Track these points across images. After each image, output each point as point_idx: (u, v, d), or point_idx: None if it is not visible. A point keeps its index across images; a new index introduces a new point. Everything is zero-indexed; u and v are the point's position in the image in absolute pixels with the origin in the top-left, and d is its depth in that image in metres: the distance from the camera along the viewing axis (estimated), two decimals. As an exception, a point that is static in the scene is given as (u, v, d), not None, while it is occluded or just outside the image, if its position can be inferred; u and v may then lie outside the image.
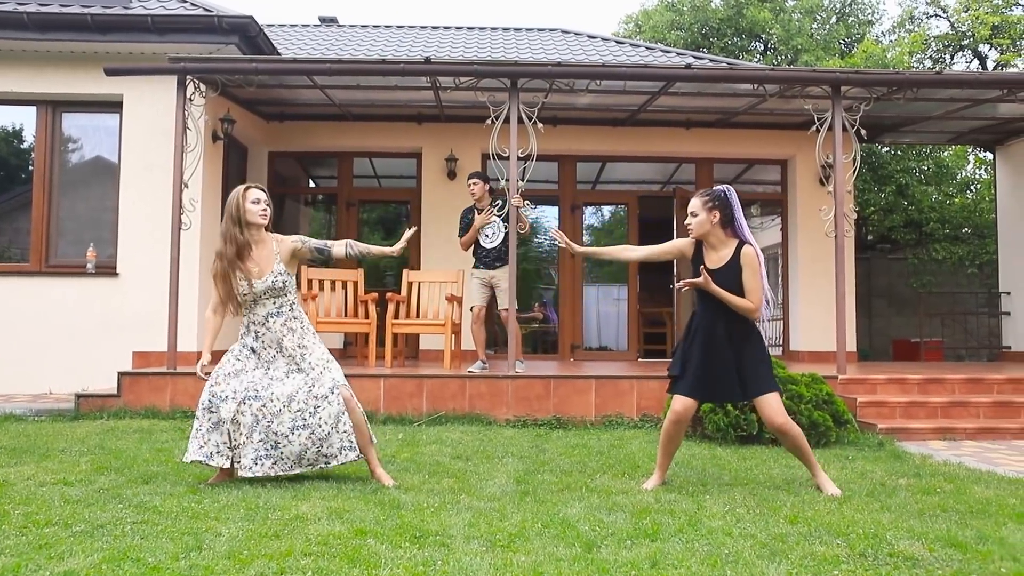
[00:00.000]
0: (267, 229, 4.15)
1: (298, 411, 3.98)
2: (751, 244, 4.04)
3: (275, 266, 4.07)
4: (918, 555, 2.84)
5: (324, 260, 4.28)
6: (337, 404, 4.02)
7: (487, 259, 7.30)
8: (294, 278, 4.17)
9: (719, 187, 4.12)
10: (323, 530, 3.08)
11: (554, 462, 4.81)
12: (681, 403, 4.06)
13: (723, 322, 4.02)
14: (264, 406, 3.97)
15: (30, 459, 4.63)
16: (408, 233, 4.41)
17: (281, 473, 4.01)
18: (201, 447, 3.98)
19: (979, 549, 2.94)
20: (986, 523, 3.36)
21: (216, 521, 3.20)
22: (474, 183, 7.26)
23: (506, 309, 7.14)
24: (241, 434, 3.96)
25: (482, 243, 7.31)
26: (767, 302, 4.02)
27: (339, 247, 4.25)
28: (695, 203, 4.07)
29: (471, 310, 7.38)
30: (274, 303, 4.07)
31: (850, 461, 4.98)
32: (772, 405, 3.98)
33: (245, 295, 4.02)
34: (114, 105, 7.98)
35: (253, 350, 4.09)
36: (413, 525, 3.18)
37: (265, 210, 4.07)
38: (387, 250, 4.37)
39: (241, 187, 4.10)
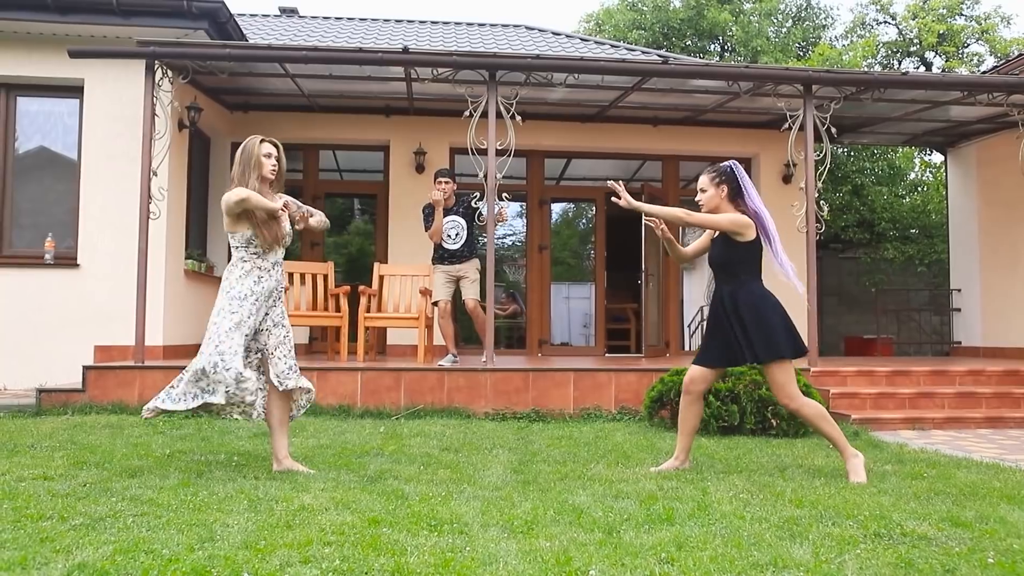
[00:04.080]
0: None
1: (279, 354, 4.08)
2: (747, 205, 4.09)
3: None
4: (930, 535, 2.91)
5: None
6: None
7: (451, 259, 7.29)
8: None
9: (725, 163, 4.20)
10: (335, 520, 3.00)
11: (544, 453, 4.80)
12: (688, 375, 4.22)
13: (723, 290, 4.14)
14: (261, 355, 4.09)
15: (-1, 455, 4.42)
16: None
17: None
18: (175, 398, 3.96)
19: (983, 528, 3.02)
20: (981, 504, 3.46)
21: (220, 513, 3.10)
22: (446, 182, 7.20)
23: (472, 299, 7.14)
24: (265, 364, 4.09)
25: (444, 244, 7.28)
26: (785, 268, 4.07)
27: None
28: (703, 179, 4.18)
29: (435, 305, 7.32)
30: (281, 252, 4.14)
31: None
32: (774, 380, 4.05)
33: (275, 236, 4.03)
34: (74, 90, 7.68)
35: (252, 292, 3.99)
36: (424, 514, 3.13)
37: (275, 166, 4.07)
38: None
39: (255, 138, 4.06)
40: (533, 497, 3.50)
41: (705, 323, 4.31)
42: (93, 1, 7.23)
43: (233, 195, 3.93)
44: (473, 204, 7.19)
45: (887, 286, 13.28)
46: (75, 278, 7.46)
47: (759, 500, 3.48)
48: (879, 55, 17.31)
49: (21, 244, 7.68)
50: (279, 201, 4.03)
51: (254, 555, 2.54)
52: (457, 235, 7.27)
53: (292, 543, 2.67)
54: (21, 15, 7.28)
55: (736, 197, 4.12)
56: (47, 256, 7.47)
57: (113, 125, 7.53)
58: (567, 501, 3.41)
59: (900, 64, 17.74)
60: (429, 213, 7.32)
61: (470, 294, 7.23)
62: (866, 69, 15.84)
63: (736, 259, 4.09)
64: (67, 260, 7.50)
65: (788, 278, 4.08)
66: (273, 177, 4.07)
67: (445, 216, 7.26)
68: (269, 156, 4.04)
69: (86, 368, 6.44)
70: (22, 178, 7.82)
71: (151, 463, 4.22)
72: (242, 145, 4.07)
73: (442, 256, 7.31)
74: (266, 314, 4.07)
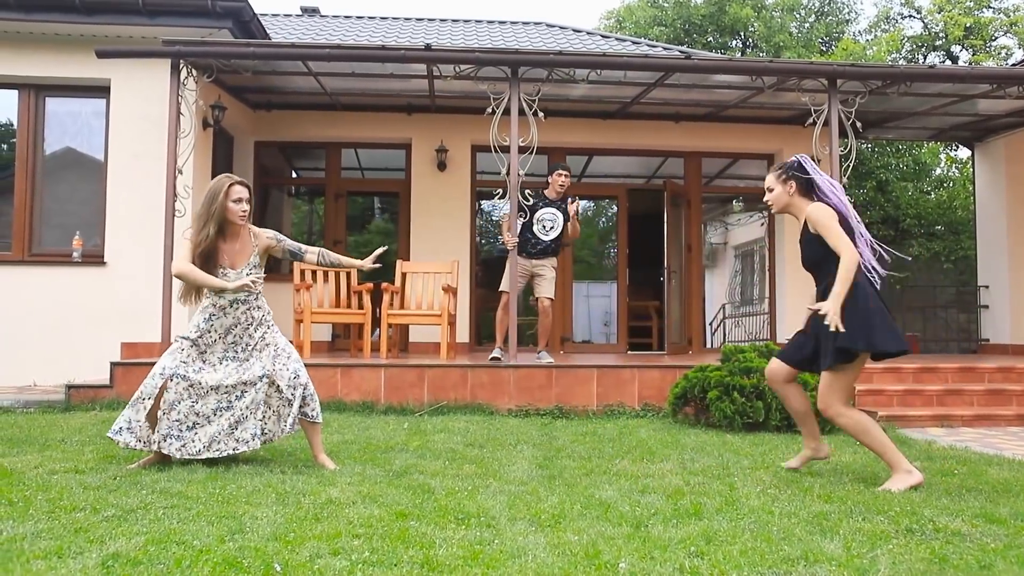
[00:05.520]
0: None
1: (224, 394, 3.97)
2: (821, 199, 3.77)
3: (250, 258, 4.05)
4: (964, 531, 2.87)
5: (294, 260, 4.26)
6: (258, 392, 3.99)
7: (534, 250, 7.17)
8: (263, 271, 4.12)
9: (792, 158, 3.95)
10: (362, 513, 3.02)
11: (569, 449, 4.79)
12: (768, 368, 4.07)
13: (819, 290, 3.82)
14: (191, 387, 3.95)
15: (31, 449, 4.48)
16: (379, 250, 4.42)
17: (187, 456, 3.94)
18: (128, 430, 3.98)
19: (1019, 525, 2.97)
20: (1015, 501, 3.40)
21: (249, 505, 3.12)
22: (568, 175, 7.22)
23: (548, 298, 7.11)
24: (162, 411, 3.94)
25: (537, 233, 7.17)
26: (867, 245, 3.74)
27: (312, 254, 4.25)
28: (769, 178, 3.95)
29: (500, 293, 7.21)
30: (243, 292, 4.03)
31: (860, 447, 5.01)
32: (824, 381, 3.73)
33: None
34: (101, 90, 7.77)
35: (198, 329, 4.01)
36: (451, 508, 3.13)
37: (246, 210, 3.99)
38: (357, 263, 4.41)
39: (225, 181, 3.97)
40: (559, 492, 3.49)
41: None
42: (119, 2, 7.31)
43: (174, 266, 3.97)
44: (569, 203, 7.16)
45: (912, 283, 13.11)
46: (102, 276, 7.55)
47: (787, 495, 3.45)
48: (904, 49, 17.10)
49: (50, 243, 7.79)
50: (237, 278, 3.96)
51: (284, 547, 2.56)
52: (552, 228, 7.18)
53: (321, 535, 2.69)
54: (49, 16, 7.38)
55: (809, 191, 3.84)
56: (75, 254, 7.57)
57: (139, 124, 7.61)
58: (593, 496, 3.40)
59: (925, 59, 17.51)
60: (535, 204, 7.12)
61: (546, 292, 7.18)
62: (892, 63, 15.65)
63: (828, 256, 3.71)
64: (94, 258, 7.60)
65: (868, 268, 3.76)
66: (243, 222, 4.01)
67: (548, 207, 7.17)
68: (239, 201, 3.96)
69: (113, 364, 6.51)
70: (51, 178, 7.93)
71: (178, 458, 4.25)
72: (210, 185, 3.98)
73: (526, 246, 7.12)
74: (240, 350, 4.03)
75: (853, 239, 3.73)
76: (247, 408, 3.98)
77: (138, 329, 7.37)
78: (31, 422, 5.58)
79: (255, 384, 3.99)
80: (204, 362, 4.00)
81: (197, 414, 3.95)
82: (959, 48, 17.18)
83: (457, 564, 2.41)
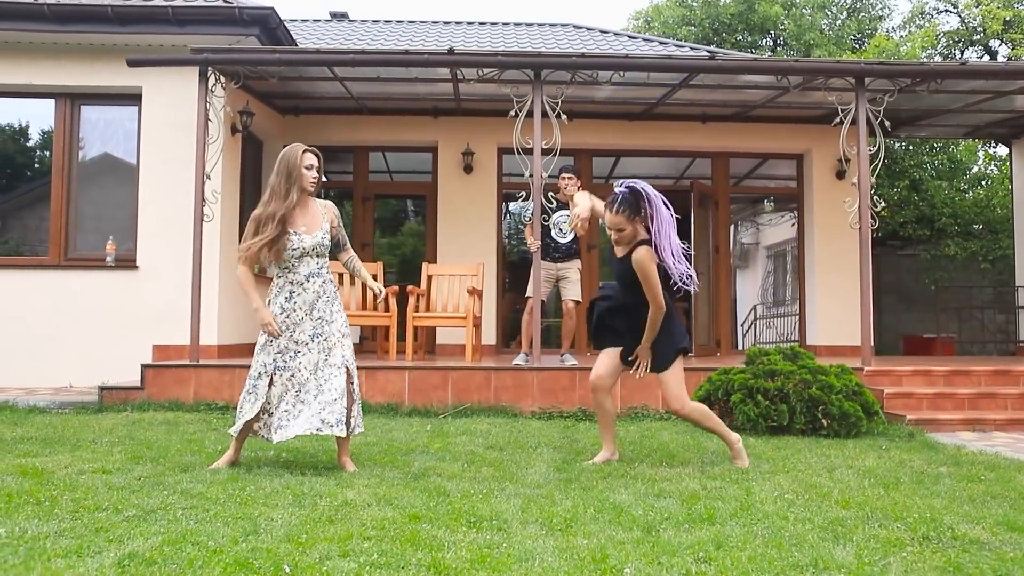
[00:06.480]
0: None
1: (322, 378, 4.04)
2: (648, 241, 4.06)
3: (323, 225, 4.12)
4: (983, 539, 2.82)
5: (333, 249, 4.27)
6: (342, 377, 4.05)
7: (556, 253, 7.21)
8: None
9: (624, 190, 4.09)
10: (376, 515, 3.05)
11: (589, 451, 4.79)
12: (594, 377, 4.49)
13: (628, 301, 4.27)
14: (292, 376, 4.04)
15: (62, 449, 4.60)
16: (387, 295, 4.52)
17: (285, 439, 4.02)
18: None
19: (1041, 533, 2.91)
20: (1040, 508, 3.33)
21: (266, 507, 3.18)
22: (570, 178, 7.12)
23: (574, 300, 7.14)
24: (271, 403, 4.04)
25: (554, 235, 7.21)
26: (686, 277, 4.07)
27: (346, 254, 4.32)
28: (619, 220, 4.08)
29: (526, 299, 7.25)
30: (316, 263, 4.11)
31: (885, 451, 4.96)
32: (665, 386, 4.24)
33: (293, 250, 4.03)
34: (133, 98, 7.94)
35: (282, 310, 4.06)
36: (465, 511, 3.16)
37: (316, 178, 4.10)
38: (372, 284, 4.37)
39: (299, 147, 4.07)
40: (574, 495, 3.50)
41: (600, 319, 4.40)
42: (150, 12, 7.47)
43: (239, 265, 4.10)
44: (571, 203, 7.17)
45: (948, 283, 12.85)
46: (134, 279, 7.72)
47: (804, 501, 3.41)
48: (939, 45, 16.77)
49: (85, 247, 7.98)
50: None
51: (295, 548, 2.60)
52: (568, 230, 7.19)
53: (333, 537, 2.72)
54: (84, 27, 7.56)
55: (635, 215, 4.09)
56: (108, 258, 7.75)
57: (169, 131, 7.77)
58: (608, 499, 3.40)
59: (963, 54, 17.14)
60: (555, 208, 7.20)
61: (572, 295, 7.21)
62: (923, 60, 15.36)
63: (638, 289, 4.15)
64: (127, 262, 7.77)
65: (687, 286, 4.07)
66: (313, 189, 4.11)
67: (561, 209, 7.21)
68: (311, 168, 4.07)
69: (144, 367, 6.65)
70: (86, 184, 8.12)
71: (203, 459, 4.34)
72: (282, 153, 4.06)
73: (548, 250, 7.18)
74: (322, 326, 4.05)
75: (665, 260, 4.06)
76: (335, 391, 4.00)
77: (168, 332, 7.52)
78: (65, 423, 5.72)
79: (339, 367, 4.03)
80: (297, 343, 4.04)
81: (302, 401, 4.02)
82: (998, 42, 16.79)
83: (464, 567, 2.43)
